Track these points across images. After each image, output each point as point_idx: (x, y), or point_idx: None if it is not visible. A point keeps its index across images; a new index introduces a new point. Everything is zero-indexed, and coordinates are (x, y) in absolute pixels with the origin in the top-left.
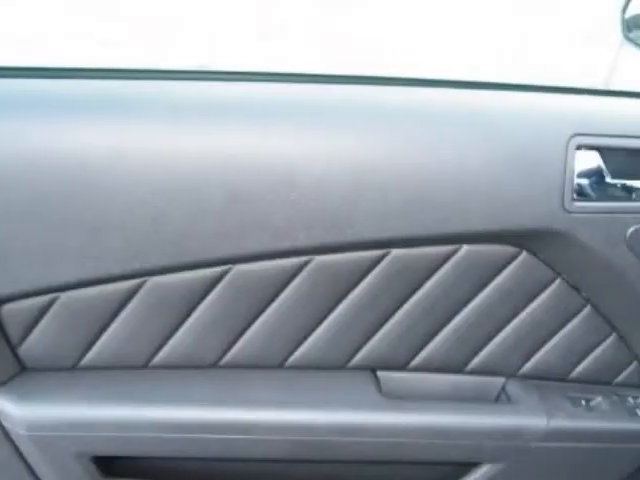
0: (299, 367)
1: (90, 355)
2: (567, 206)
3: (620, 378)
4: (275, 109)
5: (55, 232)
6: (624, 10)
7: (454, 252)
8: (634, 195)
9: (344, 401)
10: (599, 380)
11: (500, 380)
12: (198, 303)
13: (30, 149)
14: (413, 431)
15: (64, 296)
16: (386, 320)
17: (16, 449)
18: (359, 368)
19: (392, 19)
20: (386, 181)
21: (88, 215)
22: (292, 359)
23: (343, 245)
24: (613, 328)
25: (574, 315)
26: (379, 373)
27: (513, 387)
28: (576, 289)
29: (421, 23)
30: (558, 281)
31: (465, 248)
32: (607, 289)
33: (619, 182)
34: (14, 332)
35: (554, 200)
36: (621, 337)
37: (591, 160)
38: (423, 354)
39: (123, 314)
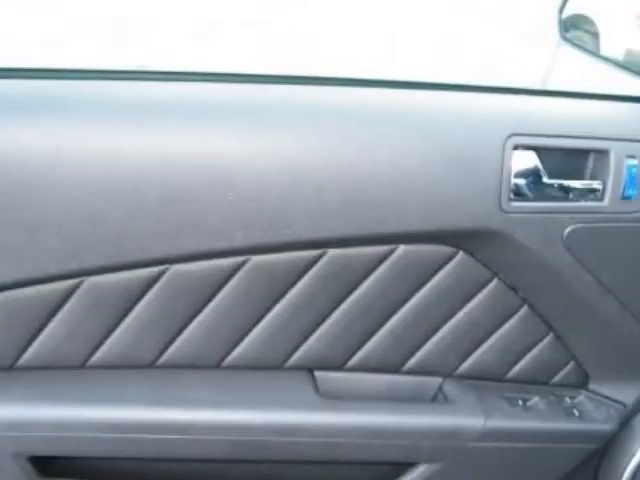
0: (236, 367)
1: (27, 355)
2: (504, 206)
3: (557, 378)
4: (213, 109)
5: None
6: (561, 10)
7: (391, 252)
8: (571, 195)
9: (281, 401)
10: (536, 380)
11: (437, 380)
12: (135, 303)
13: None
14: (350, 431)
15: (1, 296)
16: (323, 320)
17: None
18: (296, 368)
19: (330, 19)
20: (323, 181)
21: (26, 215)
22: (229, 359)
23: (280, 245)
24: (550, 328)
25: (511, 315)
26: (316, 373)
27: (450, 387)
28: (513, 289)
29: (358, 24)
30: (495, 281)
31: (402, 248)
32: (544, 289)
33: (556, 182)
34: None
35: (491, 200)
36: (558, 337)
37: (528, 160)
38: (360, 354)
39: (60, 314)
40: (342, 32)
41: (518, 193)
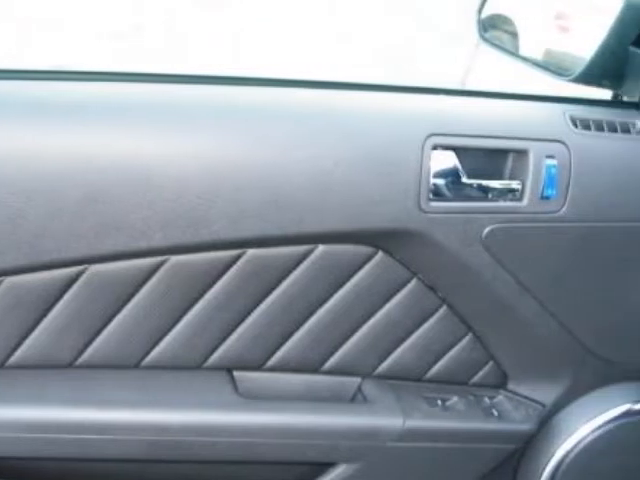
0: (155, 367)
1: None
2: (423, 206)
3: (476, 378)
4: (132, 109)
5: None
6: (480, 10)
7: (310, 252)
8: (490, 195)
9: (200, 401)
10: (455, 380)
11: (356, 380)
12: (54, 303)
13: None
14: (269, 431)
15: None
16: (242, 320)
17: None
18: (215, 368)
19: (251, 19)
20: (242, 181)
21: None
22: (148, 359)
23: (199, 245)
24: (469, 328)
25: (430, 315)
26: (235, 373)
27: (369, 387)
28: (432, 289)
29: (280, 23)
30: (414, 281)
31: (321, 248)
32: (463, 289)
33: (475, 182)
34: None
35: (410, 200)
36: (477, 337)
37: (447, 160)
38: (279, 354)
39: None
40: (263, 32)
41: (437, 193)
